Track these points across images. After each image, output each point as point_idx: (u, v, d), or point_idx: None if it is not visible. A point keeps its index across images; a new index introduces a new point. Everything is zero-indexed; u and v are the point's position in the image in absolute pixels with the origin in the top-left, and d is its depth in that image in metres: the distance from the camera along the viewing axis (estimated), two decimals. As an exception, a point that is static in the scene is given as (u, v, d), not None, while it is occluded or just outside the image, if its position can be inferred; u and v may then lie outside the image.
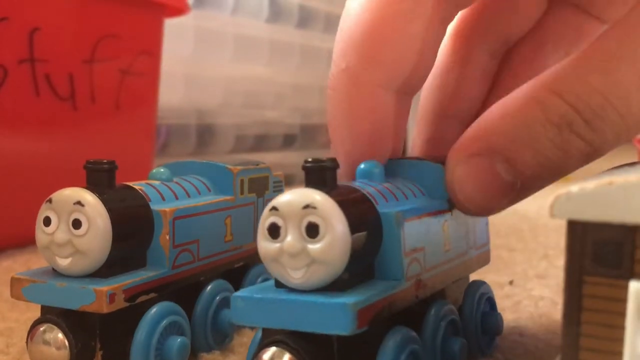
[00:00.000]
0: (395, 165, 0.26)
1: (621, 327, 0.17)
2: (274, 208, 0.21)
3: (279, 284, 0.22)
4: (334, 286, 0.21)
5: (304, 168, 0.22)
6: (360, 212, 0.22)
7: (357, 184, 0.24)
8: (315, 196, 0.21)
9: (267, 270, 0.22)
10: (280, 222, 0.21)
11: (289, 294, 0.21)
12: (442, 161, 0.26)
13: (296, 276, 0.21)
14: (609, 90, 0.22)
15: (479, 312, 0.28)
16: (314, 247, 0.20)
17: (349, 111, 0.26)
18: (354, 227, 0.21)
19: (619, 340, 0.17)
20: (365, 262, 0.22)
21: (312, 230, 0.21)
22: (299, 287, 0.21)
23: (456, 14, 0.28)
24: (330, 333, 0.20)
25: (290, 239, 0.21)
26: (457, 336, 0.26)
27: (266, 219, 0.21)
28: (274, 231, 0.21)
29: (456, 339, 0.25)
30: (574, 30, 0.30)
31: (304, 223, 0.21)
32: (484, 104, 0.31)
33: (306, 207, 0.21)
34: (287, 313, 0.21)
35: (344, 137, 0.26)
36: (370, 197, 0.23)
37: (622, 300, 0.17)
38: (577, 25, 0.31)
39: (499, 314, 0.29)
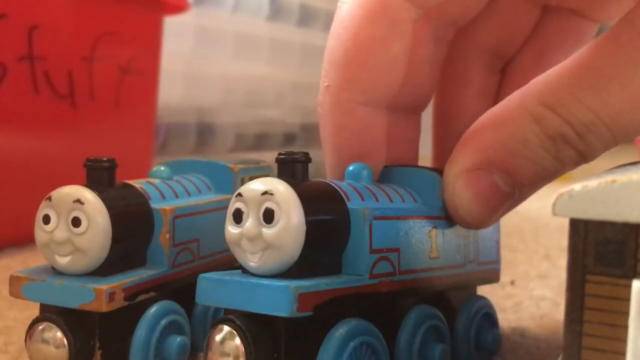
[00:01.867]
0: (391, 172, 0.27)
1: (624, 327, 0.17)
2: (239, 194, 0.22)
3: (243, 270, 0.23)
4: (289, 274, 0.22)
5: (277, 160, 0.23)
6: (324, 205, 0.23)
7: (337, 183, 0.24)
8: (276, 185, 0.22)
9: (233, 254, 0.23)
10: (243, 207, 0.22)
11: (248, 277, 0.22)
12: (438, 170, 0.26)
13: (253, 260, 0.22)
14: (600, 108, 0.23)
15: (472, 328, 0.28)
16: (269, 231, 0.21)
17: (332, 126, 0.27)
18: (311, 217, 0.22)
19: (622, 340, 0.17)
20: (327, 254, 0.23)
21: (268, 216, 0.22)
22: (256, 271, 0.22)
23: (453, 31, 0.29)
24: (270, 314, 0.21)
25: (249, 223, 0.22)
26: (441, 343, 0.25)
27: (232, 205, 0.22)
28: (238, 216, 0.22)
29: (436, 345, 0.25)
30: (572, 35, 0.31)
31: (262, 209, 0.22)
32: None
33: (264, 193, 0.22)
34: (237, 294, 0.22)
35: (329, 150, 0.28)
36: (342, 194, 0.24)
37: (625, 300, 0.17)
38: (574, 29, 0.31)
39: (496, 331, 0.29)
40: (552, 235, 0.58)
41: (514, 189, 0.25)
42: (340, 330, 0.22)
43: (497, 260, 0.30)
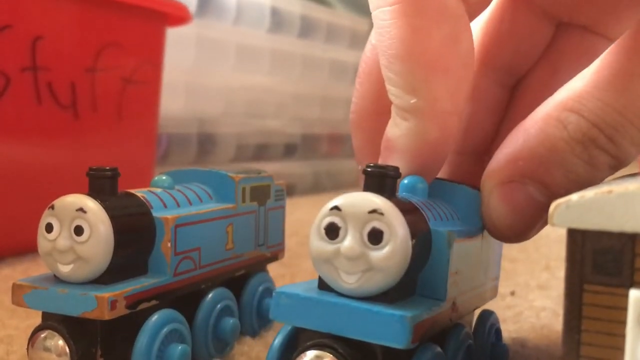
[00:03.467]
0: (433, 185, 0.26)
1: (621, 336, 0.17)
2: (336, 208, 0.20)
3: (323, 286, 0.21)
4: (384, 297, 0.20)
5: (365, 172, 0.22)
6: (416, 224, 0.22)
7: (408, 198, 0.23)
8: (380, 202, 0.20)
9: (316, 270, 0.21)
10: (340, 223, 0.20)
11: (339, 297, 0.20)
12: (479, 187, 0.26)
13: (349, 281, 0.20)
14: (624, 107, 0.22)
15: (488, 343, 0.28)
16: (376, 253, 0.20)
17: (419, 139, 0.25)
18: (413, 237, 0.21)
19: (620, 349, 0.17)
20: (412, 276, 0.22)
21: (376, 237, 0.20)
22: (350, 292, 0.20)
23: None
24: (385, 344, 0.20)
25: (350, 242, 0.20)
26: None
27: (324, 218, 0.21)
28: (332, 231, 0.20)
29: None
30: (586, 52, 0.30)
31: (368, 228, 0.20)
32: (498, 136, 0.31)
33: (372, 211, 0.20)
34: (337, 317, 0.20)
35: (405, 160, 0.25)
36: (422, 212, 0.23)
37: (622, 309, 0.17)
38: (588, 46, 0.31)
39: (505, 345, 0.29)
40: (552, 246, 0.58)
41: (550, 198, 0.23)
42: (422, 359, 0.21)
43: (498, 276, 0.30)
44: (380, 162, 0.25)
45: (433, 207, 0.24)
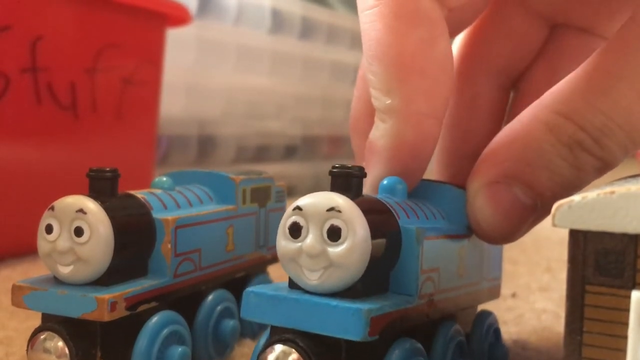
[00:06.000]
0: (418, 186, 0.26)
1: (623, 337, 0.17)
2: (298, 207, 0.21)
3: (292, 285, 0.22)
4: (348, 293, 0.21)
5: (331, 173, 0.22)
6: (381, 222, 0.22)
7: (384, 200, 0.24)
8: (340, 200, 0.21)
9: (283, 268, 0.22)
10: (302, 222, 0.21)
11: (303, 294, 0.21)
12: (464, 187, 0.26)
13: (312, 278, 0.21)
14: (611, 109, 0.22)
15: (486, 343, 0.28)
16: (334, 250, 0.21)
17: (393, 139, 0.25)
18: (374, 235, 0.21)
19: (621, 350, 0.17)
20: (381, 273, 0.22)
21: (335, 233, 0.21)
22: (314, 289, 0.21)
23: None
24: (341, 337, 0.20)
25: (311, 239, 0.21)
26: (464, 358, 0.25)
27: (288, 218, 0.21)
28: (295, 231, 0.21)
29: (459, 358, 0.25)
30: (582, 52, 0.30)
31: (327, 225, 0.21)
32: None
33: (330, 209, 0.21)
34: (299, 313, 0.21)
35: (380, 162, 0.25)
36: (392, 210, 0.23)
37: (624, 310, 0.17)
38: (583, 46, 0.31)
39: (504, 345, 0.29)
40: (553, 247, 0.58)
41: (536, 200, 0.24)
42: (397, 351, 0.21)
43: (499, 276, 0.30)
44: (364, 163, 0.26)
45: (412, 207, 0.24)
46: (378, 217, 0.22)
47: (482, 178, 0.25)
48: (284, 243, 0.21)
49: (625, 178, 0.22)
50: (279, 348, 0.21)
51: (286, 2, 0.98)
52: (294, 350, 0.21)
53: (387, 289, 0.23)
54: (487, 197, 0.24)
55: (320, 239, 0.21)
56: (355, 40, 1.19)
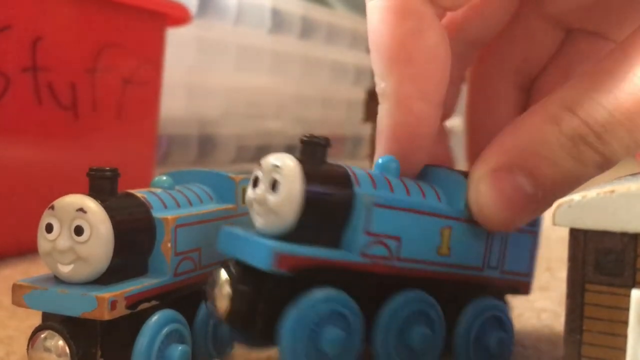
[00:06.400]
0: (425, 170, 0.29)
1: (623, 336, 0.17)
2: (259, 164, 0.25)
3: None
4: (286, 237, 0.24)
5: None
6: (327, 184, 0.25)
7: (355, 169, 0.26)
8: (285, 159, 0.24)
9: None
10: (260, 174, 0.25)
11: (244, 232, 0.25)
12: (466, 174, 0.27)
13: (259, 221, 0.25)
14: (614, 107, 0.23)
15: (473, 328, 0.28)
16: (272, 198, 0.24)
17: (390, 122, 0.27)
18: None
19: (621, 349, 0.17)
20: (326, 229, 0.25)
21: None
22: (262, 231, 0.25)
23: (473, 50, 0.32)
24: (257, 266, 0.24)
25: (261, 190, 0.25)
26: (425, 327, 0.26)
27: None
28: (255, 182, 0.25)
29: (419, 328, 0.26)
30: (595, 55, 0.32)
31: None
32: None
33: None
34: (235, 245, 0.25)
35: (381, 145, 0.28)
36: (353, 178, 0.25)
37: (624, 309, 0.17)
38: (597, 50, 0.32)
39: (503, 335, 0.29)
40: (553, 247, 0.58)
41: (537, 190, 0.25)
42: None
43: (528, 272, 0.30)
44: None
45: (390, 181, 0.27)
46: (326, 178, 0.25)
47: (487, 164, 0.26)
48: (249, 192, 0.26)
49: (625, 177, 0.22)
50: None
51: (286, 1, 0.98)
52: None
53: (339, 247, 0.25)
54: (490, 183, 0.26)
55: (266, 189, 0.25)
56: (355, 40, 1.19)
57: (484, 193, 0.26)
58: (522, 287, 0.31)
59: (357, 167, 0.27)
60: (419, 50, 0.26)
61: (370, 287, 0.26)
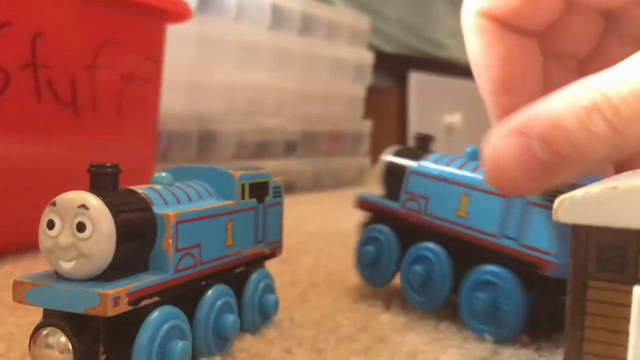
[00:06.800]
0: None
1: (625, 332, 0.17)
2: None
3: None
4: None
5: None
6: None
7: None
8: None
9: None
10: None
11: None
12: None
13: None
14: (636, 84, 0.24)
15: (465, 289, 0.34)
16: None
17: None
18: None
19: (623, 346, 0.17)
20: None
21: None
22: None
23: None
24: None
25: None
26: None
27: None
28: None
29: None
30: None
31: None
32: None
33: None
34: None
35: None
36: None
37: (626, 305, 0.17)
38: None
39: (485, 298, 0.33)
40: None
41: (551, 158, 0.25)
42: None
43: (551, 251, 0.31)
44: None
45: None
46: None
47: (506, 127, 0.26)
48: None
49: (627, 173, 0.22)
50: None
51: (286, -2, 0.99)
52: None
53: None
54: (506, 145, 0.26)
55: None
56: (355, 37, 1.19)
57: (499, 152, 0.26)
58: (542, 264, 0.31)
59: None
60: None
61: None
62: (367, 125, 1.20)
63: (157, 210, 0.26)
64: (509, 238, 0.32)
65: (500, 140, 0.26)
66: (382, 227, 0.38)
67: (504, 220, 0.32)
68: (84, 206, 0.24)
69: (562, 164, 0.25)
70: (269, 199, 0.33)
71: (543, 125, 0.25)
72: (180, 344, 0.25)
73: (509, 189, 0.27)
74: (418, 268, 0.35)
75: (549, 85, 0.33)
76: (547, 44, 0.33)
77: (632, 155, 0.25)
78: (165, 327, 0.25)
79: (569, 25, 0.33)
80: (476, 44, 0.32)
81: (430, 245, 0.35)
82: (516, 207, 0.32)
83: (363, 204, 0.40)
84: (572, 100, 0.25)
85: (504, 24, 0.31)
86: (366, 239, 0.39)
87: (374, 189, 0.41)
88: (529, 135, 0.26)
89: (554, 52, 0.34)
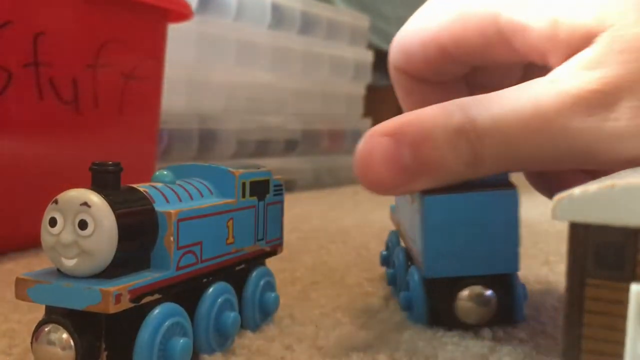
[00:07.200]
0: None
1: (623, 330, 0.17)
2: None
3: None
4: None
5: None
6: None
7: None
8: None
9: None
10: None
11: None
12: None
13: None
14: (499, 118, 0.26)
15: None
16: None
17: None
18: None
19: (620, 343, 0.17)
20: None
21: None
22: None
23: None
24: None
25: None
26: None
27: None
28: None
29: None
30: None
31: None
32: None
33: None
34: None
35: None
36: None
37: (624, 303, 0.17)
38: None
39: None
40: (551, 241, 0.58)
41: (415, 164, 0.27)
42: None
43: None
44: None
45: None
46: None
47: (380, 128, 0.28)
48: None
49: (625, 171, 0.22)
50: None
51: (286, -3, 0.99)
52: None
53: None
54: (377, 145, 0.28)
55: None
56: (355, 36, 1.19)
57: (369, 151, 0.28)
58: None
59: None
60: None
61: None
62: (367, 124, 1.20)
63: (159, 208, 0.26)
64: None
65: (374, 139, 0.28)
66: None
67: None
68: (86, 204, 0.24)
69: (424, 172, 0.28)
70: (269, 197, 0.33)
71: (414, 133, 0.27)
72: (181, 341, 0.26)
73: (374, 188, 0.28)
74: None
75: None
76: (474, 78, 0.35)
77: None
78: (167, 324, 0.25)
79: (488, 67, 0.34)
80: (397, 93, 0.36)
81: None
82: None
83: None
84: (444, 117, 0.27)
85: (416, 78, 0.34)
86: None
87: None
88: (400, 140, 0.27)
89: (481, 85, 0.35)
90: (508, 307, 0.32)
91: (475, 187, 0.30)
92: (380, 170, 0.28)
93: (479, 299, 0.31)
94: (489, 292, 0.31)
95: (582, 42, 0.26)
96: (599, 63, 0.25)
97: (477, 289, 0.31)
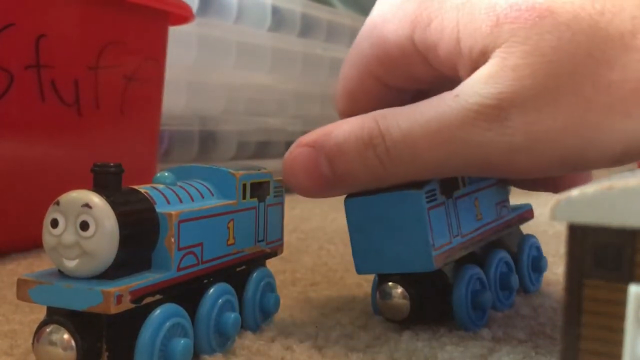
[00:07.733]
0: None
1: (621, 330, 0.17)
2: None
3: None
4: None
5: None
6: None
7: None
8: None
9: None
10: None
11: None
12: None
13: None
14: (408, 132, 0.28)
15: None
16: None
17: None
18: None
19: (619, 344, 0.17)
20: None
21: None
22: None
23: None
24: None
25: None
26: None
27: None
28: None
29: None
30: None
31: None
32: None
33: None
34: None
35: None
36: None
37: (622, 304, 0.17)
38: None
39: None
40: (549, 242, 0.58)
41: (331, 174, 0.29)
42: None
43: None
44: None
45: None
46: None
47: (304, 139, 0.30)
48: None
49: (623, 172, 0.22)
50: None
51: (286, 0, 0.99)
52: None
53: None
54: (299, 155, 0.30)
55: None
56: (354, 38, 1.19)
57: (293, 160, 0.30)
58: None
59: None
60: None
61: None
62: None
63: (160, 209, 0.27)
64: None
65: (297, 149, 0.30)
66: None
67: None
68: (87, 205, 0.24)
69: (338, 182, 0.30)
70: (270, 198, 0.33)
71: (330, 145, 0.29)
72: (182, 342, 0.26)
73: (301, 193, 0.31)
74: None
75: None
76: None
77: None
78: (168, 324, 0.26)
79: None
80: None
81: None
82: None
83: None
84: (357, 130, 0.29)
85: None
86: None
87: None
88: (319, 151, 0.30)
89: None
90: (423, 306, 0.33)
91: (390, 188, 0.30)
92: (303, 179, 0.30)
93: (385, 296, 0.33)
94: None
95: (480, 57, 0.27)
96: (495, 79, 0.26)
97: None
